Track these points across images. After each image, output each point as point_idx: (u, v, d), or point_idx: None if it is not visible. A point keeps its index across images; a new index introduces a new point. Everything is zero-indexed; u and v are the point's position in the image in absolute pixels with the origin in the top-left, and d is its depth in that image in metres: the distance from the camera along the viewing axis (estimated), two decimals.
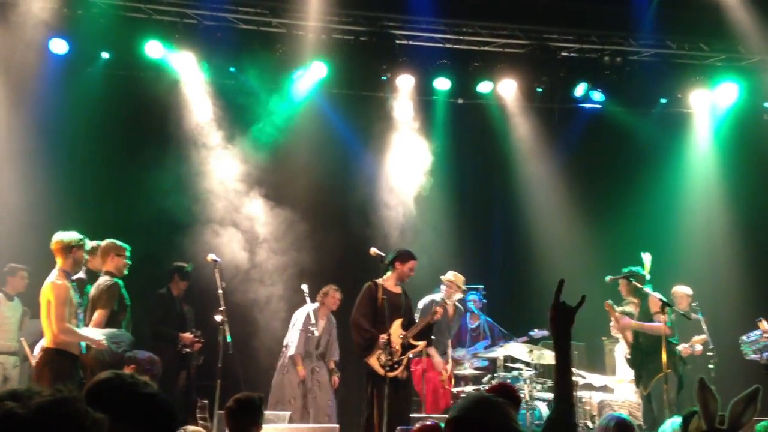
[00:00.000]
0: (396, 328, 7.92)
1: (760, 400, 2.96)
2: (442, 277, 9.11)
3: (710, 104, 11.27)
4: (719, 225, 11.11)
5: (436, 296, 9.13)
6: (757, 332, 8.10)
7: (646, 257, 8.28)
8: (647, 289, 7.97)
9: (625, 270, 8.12)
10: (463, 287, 9.12)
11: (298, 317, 9.20)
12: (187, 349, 8.54)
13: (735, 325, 9.53)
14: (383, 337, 7.62)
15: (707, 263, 10.18)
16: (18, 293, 8.84)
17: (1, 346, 8.78)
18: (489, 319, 10.00)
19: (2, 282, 8.98)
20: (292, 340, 9.13)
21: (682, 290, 9.43)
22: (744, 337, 8.30)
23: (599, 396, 8.66)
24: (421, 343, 8.17)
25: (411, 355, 8.14)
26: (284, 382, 9.06)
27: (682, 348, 8.33)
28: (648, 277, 8.15)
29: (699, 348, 8.94)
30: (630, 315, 8.86)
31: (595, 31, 10.67)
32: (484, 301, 10.27)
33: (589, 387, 8.79)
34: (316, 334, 9.00)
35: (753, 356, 8.10)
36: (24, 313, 8.80)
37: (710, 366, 8.64)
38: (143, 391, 2.20)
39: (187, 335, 8.63)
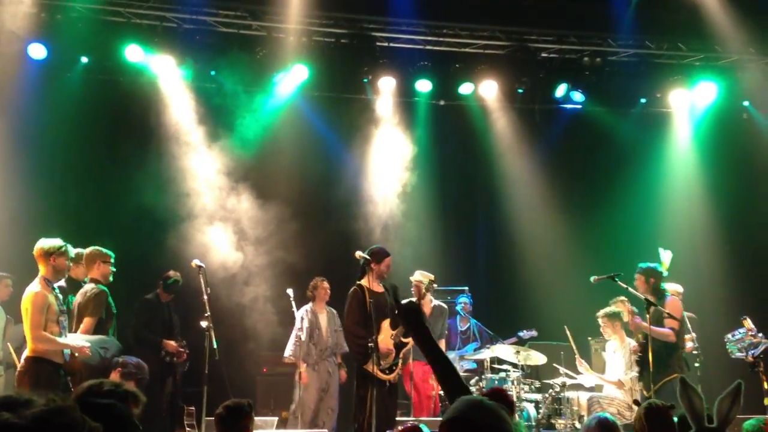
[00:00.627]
0: (386, 330, 7.87)
1: (743, 395, 2.99)
2: (411, 278, 9.04)
3: (689, 104, 11.39)
4: (700, 223, 11.22)
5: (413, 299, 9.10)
6: (741, 330, 8.13)
7: (666, 254, 8.23)
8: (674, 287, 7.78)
9: (643, 265, 8.04)
10: (433, 285, 9.03)
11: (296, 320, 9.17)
12: (173, 359, 8.46)
13: (718, 323, 9.60)
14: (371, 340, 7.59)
15: (689, 262, 10.23)
16: (2, 301, 8.71)
17: None
18: (477, 321, 10.00)
19: None
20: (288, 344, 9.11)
21: (673, 288, 9.48)
22: (729, 336, 8.34)
23: (587, 394, 8.67)
24: (410, 341, 8.15)
25: (402, 357, 8.10)
26: (300, 392, 8.99)
27: None
28: (666, 273, 8.10)
29: (689, 345, 8.99)
30: (618, 315, 8.91)
31: (574, 31, 10.72)
32: (472, 303, 10.29)
33: (577, 387, 8.80)
34: (303, 337, 8.94)
35: (738, 354, 8.13)
36: (8, 321, 8.67)
37: (696, 365, 8.68)
38: (99, 402, 2.35)
39: (172, 343, 8.57)
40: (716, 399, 3.02)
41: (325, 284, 9.22)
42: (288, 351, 9.06)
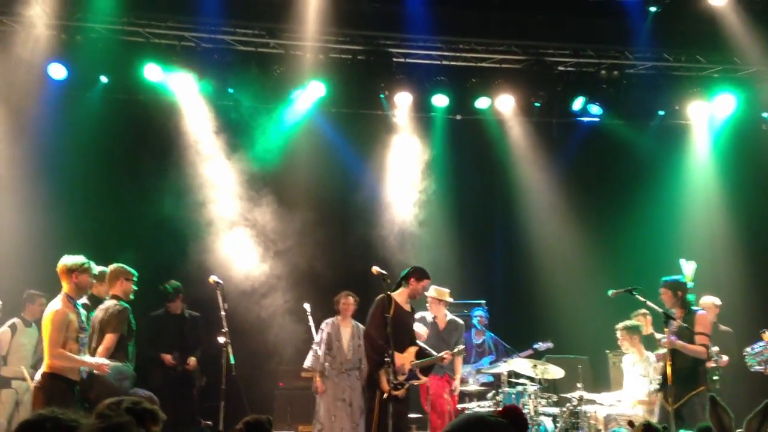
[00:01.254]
0: (410, 354, 7.93)
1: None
2: (426, 294, 9.07)
3: (708, 116, 11.32)
4: (720, 235, 11.13)
5: (427, 314, 9.13)
6: (761, 344, 8.06)
7: (689, 265, 8.14)
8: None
9: (668, 279, 7.90)
10: (448, 299, 9.08)
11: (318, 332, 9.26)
12: (185, 372, 8.54)
13: (738, 336, 9.52)
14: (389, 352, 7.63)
15: (709, 274, 10.12)
16: (36, 319, 8.85)
17: (15, 372, 8.84)
18: (493, 334, 9.98)
19: (20, 308, 9.08)
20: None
21: (710, 300, 9.41)
22: (748, 349, 8.27)
23: (605, 410, 8.61)
24: (425, 379, 8.21)
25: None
26: (320, 403, 9.05)
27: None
28: (691, 284, 7.95)
29: (725, 359, 8.90)
30: (637, 329, 8.83)
31: (591, 45, 10.71)
32: (488, 316, 10.27)
33: (593, 402, 8.74)
34: (318, 351, 8.98)
35: (758, 368, 8.06)
36: (39, 340, 8.81)
37: (715, 378, 8.60)
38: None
39: (167, 357, 8.77)
40: (734, 412, 3.01)
41: (350, 299, 9.24)
42: (306, 363, 9.14)
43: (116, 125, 10.10)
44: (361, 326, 9.18)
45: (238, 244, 9.95)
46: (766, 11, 10.00)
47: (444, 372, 9.10)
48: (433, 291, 9.00)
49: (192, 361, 9.00)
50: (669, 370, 7.37)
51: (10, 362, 8.96)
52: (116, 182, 10.29)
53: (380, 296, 7.86)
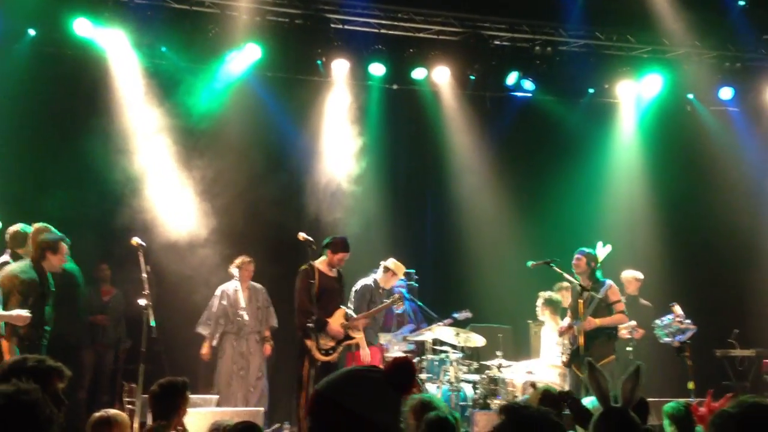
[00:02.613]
0: (338, 317, 8.04)
1: (643, 375, 3.15)
2: (382, 263, 9.18)
3: (636, 95, 11.62)
4: (641, 213, 11.51)
5: (369, 280, 9.22)
6: (670, 316, 8.42)
7: (603, 250, 8.41)
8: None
9: (585, 249, 8.25)
10: (400, 276, 9.26)
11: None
12: None
13: (654, 308, 9.92)
14: (320, 319, 7.75)
15: (629, 249, 10.51)
16: None
17: None
18: (414, 303, 10.14)
19: None
20: None
21: (631, 274, 9.75)
22: (658, 321, 8.63)
23: (522, 377, 8.91)
24: (359, 336, 8.32)
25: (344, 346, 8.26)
26: (217, 366, 9.10)
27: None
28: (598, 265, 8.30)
29: (640, 332, 9.24)
30: (558, 303, 9.16)
31: (526, 20, 10.87)
32: (416, 285, 10.41)
33: (513, 369, 9.03)
34: (213, 310, 9.07)
35: (666, 339, 8.43)
36: None
37: (628, 349, 8.97)
38: None
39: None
40: (647, 382, 3.20)
41: (252, 266, 9.31)
42: (198, 328, 9.20)
43: (44, 79, 9.76)
44: (258, 287, 9.30)
45: (168, 203, 9.82)
46: None
47: (377, 342, 9.27)
48: (391, 263, 9.11)
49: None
50: (581, 339, 7.69)
51: None
52: (43, 138, 9.99)
53: (302, 267, 8.00)
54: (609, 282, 8.25)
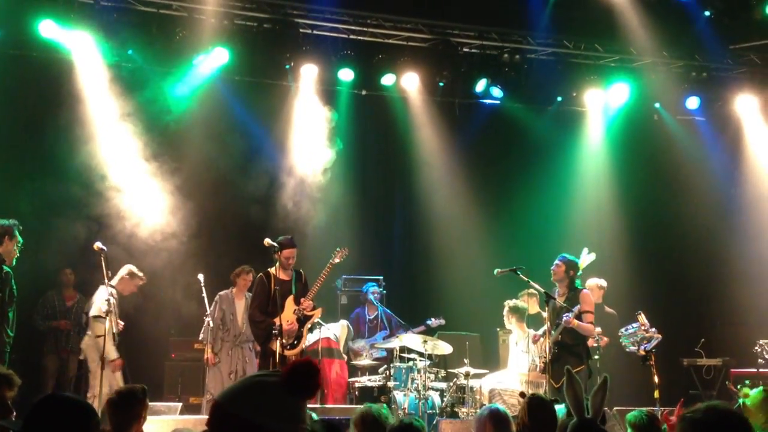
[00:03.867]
0: (289, 306, 8.08)
1: (609, 389, 3.21)
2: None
3: (603, 103, 11.70)
4: (608, 221, 11.57)
5: None
6: (635, 325, 8.42)
7: (588, 257, 8.36)
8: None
9: (567, 256, 8.12)
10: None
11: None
12: None
13: (621, 318, 9.93)
14: (276, 323, 7.71)
15: (596, 258, 10.55)
16: None
17: None
18: (387, 310, 10.13)
19: None
20: None
21: (595, 282, 9.76)
22: (623, 330, 8.63)
23: (489, 386, 8.90)
24: (318, 311, 8.31)
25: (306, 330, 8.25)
26: (210, 374, 9.00)
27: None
28: (579, 272, 8.23)
29: (605, 339, 9.23)
30: (524, 310, 9.13)
31: (495, 28, 10.90)
32: (384, 292, 10.39)
33: (478, 376, 9.02)
34: (211, 323, 8.92)
35: (632, 348, 8.42)
36: None
37: (595, 357, 8.98)
38: None
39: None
40: (619, 394, 3.25)
41: (249, 276, 9.19)
42: (201, 335, 9.09)
43: (9, 81, 9.62)
44: None
45: (132, 207, 9.70)
46: (661, 4, 10.37)
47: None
48: None
49: None
50: (551, 348, 7.69)
51: None
52: (7, 140, 9.84)
53: (259, 275, 8.09)
54: (584, 291, 8.16)
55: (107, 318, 7.81)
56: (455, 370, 9.08)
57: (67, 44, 9.72)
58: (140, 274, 8.66)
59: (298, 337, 8.04)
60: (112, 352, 7.97)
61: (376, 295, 10.14)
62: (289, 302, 8.12)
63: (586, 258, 8.41)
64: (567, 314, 7.69)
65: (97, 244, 7.52)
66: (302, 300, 8.16)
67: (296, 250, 8.27)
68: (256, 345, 9.18)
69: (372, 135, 11.77)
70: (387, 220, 12.08)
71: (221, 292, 9.26)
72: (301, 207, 10.74)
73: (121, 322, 8.45)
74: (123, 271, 8.59)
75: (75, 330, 9.59)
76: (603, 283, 9.91)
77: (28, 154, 9.89)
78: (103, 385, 7.49)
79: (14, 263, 7.19)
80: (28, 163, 9.78)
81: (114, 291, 8.25)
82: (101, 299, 8.12)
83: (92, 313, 8.21)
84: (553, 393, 7.90)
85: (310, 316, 8.21)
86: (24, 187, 9.54)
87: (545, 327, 8.15)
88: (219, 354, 9.04)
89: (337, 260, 8.54)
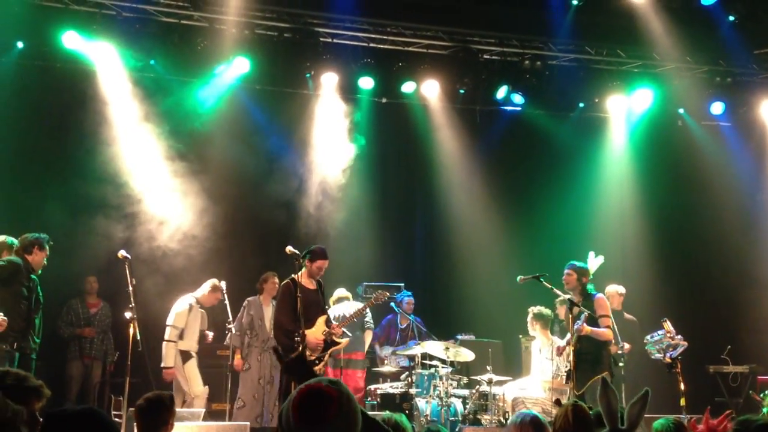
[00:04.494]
0: (320, 325, 7.94)
1: (649, 402, 3.13)
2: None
3: (626, 109, 11.62)
4: (631, 227, 11.49)
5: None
6: (660, 332, 8.28)
7: (596, 260, 8.24)
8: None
9: (577, 263, 7.98)
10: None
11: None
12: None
13: (644, 325, 9.83)
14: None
15: (619, 264, 10.48)
16: None
17: None
18: (418, 319, 10.09)
19: None
20: None
21: (614, 289, 9.65)
22: (648, 337, 8.50)
23: (512, 393, 8.82)
24: (344, 341, 8.22)
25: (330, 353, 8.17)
26: (241, 381, 9.04)
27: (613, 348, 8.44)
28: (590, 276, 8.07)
29: (627, 346, 9.12)
30: (548, 317, 9.05)
31: (516, 35, 10.87)
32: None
33: (501, 383, 8.95)
34: (234, 330, 8.94)
35: (657, 355, 8.30)
36: None
37: (620, 364, 8.88)
38: None
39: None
40: (628, 403, 3.16)
41: (276, 280, 9.21)
42: (227, 341, 9.13)
43: (33, 92, 9.79)
44: None
45: (155, 217, 9.78)
46: (684, 9, 10.29)
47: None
48: None
49: None
50: (572, 356, 7.60)
51: None
52: (30, 151, 9.98)
53: (284, 282, 7.94)
54: (598, 295, 8.07)
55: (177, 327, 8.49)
56: (478, 377, 9.02)
57: (90, 55, 9.84)
58: (222, 287, 8.93)
59: (320, 358, 7.94)
60: (169, 360, 8.56)
61: (411, 306, 10.11)
62: (321, 321, 8.01)
63: (594, 262, 8.28)
64: (577, 322, 7.62)
65: (121, 253, 7.56)
66: (334, 325, 8.09)
67: (328, 262, 8.24)
68: None
69: (393, 143, 11.76)
70: (408, 227, 12.06)
71: (249, 298, 9.30)
72: (323, 211, 10.79)
73: (210, 333, 9.04)
74: (207, 284, 8.92)
75: (99, 337, 9.71)
76: (622, 290, 9.81)
77: (52, 161, 9.98)
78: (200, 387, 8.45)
79: (39, 272, 7.28)
80: (53, 170, 9.86)
81: (194, 302, 8.81)
82: (175, 309, 8.76)
83: (170, 322, 8.73)
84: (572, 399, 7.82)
85: (337, 343, 8.13)
86: (48, 196, 9.61)
87: (568, 336, 8.06)
88: (248, 360, 9.05)
89: (376, 302, 8.60)
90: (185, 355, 8.74)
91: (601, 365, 7.70)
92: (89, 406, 2.31)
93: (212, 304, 9.03)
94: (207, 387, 8.82)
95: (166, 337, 8.65)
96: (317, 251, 8.02)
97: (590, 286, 7.97)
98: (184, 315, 8.76)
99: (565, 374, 8.14)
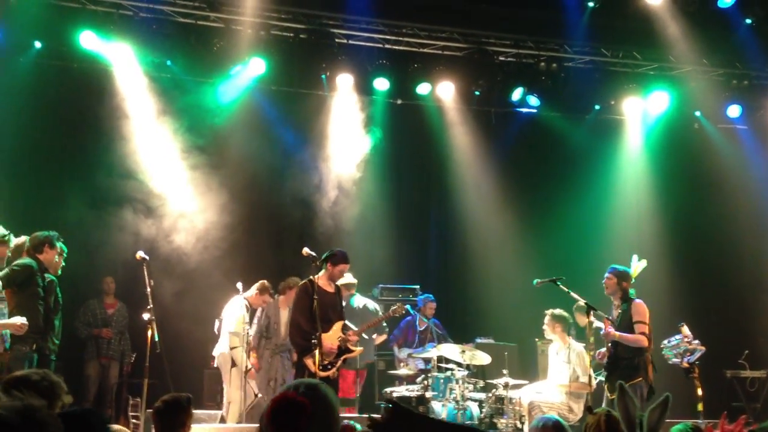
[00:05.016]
0: (336, 330, 7.93)
1: (669, 407, 3.10)
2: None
3: (642, 112, 11.57)
4: (647, 230, 11.42)
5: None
6: (678, 337, 8.21)
7: (639, 264, 8.10)
8: None
9: (618, 267, 7.86)
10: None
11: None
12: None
13: (661, 328, 9.76)
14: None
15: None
16: None
17: None
18: (437, 321, 10.06)
19: None
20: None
21: None
22: (665, 342, 8.41)
23: (529, 397, 8.79)
24: (358, 350, 8.20)
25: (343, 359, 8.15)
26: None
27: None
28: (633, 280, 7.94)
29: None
30: (564, 318, 8.98)
31: (531, 37, 10.84)
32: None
33: (517, 386, 8.91)
34: (250, 332, 8.94)
35: (674, 360, 8.22)
36: None
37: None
38: None
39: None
40: (647, 408, 3.12)
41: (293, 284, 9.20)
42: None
43: (50, 92, 9.80)
44: None
45: (171, 218, 9.79)
46: (701, 12, 10.23)
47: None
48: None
49: None
50: (609, 361, 7.55)
51: None
52: (48, 151, 10.00)
53: (302, 282, 7.94)
54: (637, 301, 7.91)
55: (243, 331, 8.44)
56: (494, 381, 8.99)
57: (107, 55, 9.85)
58: (269, 287, 8.98)
59: (333, 363, 7.92)
60: (246, 362, 8.50)
61: (432, 310, 10.09)
62: (338, 326, 7.98)
63: (637, 266, 8.14)
64: (601, 329, 7.56)
65: (140, 254, 7.56)
66: (350, 332, 8.08)
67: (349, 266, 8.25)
68: (293, 356, 9.17)
69: (407, 144, 11.73)
70: (423, 229, 12.05)
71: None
72: (336, 216, 10.75)
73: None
74: (257, 285, 8.92)
75: (116, 338, 9.72)
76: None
77: (69, 161, 10.00)
78: (238, 393, 8.31)
79: (59, 273, 7.26)
80: (70, 171, 9.88)
81: (246, 303, 8.77)
82: (234, 315, 8.68)
83: (231, 329, 8.66)
84: (608, 405, 7.72)
85: (351, 351, 8.12)
86: (66, 196, 9.64)
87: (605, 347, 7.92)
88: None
89: (394, 314, 8.64)
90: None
91: (636, 371, 7.57)
92: (88, 408, 2.31)
93: (260, 306, 9.04)
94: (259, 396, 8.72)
95: (230, 345, 8.59)
96: (339, 255, 8.00)
97: (632, 291, 7.86)
98: (242, 320, 8.74)
99: (603, 380, 7.99)
